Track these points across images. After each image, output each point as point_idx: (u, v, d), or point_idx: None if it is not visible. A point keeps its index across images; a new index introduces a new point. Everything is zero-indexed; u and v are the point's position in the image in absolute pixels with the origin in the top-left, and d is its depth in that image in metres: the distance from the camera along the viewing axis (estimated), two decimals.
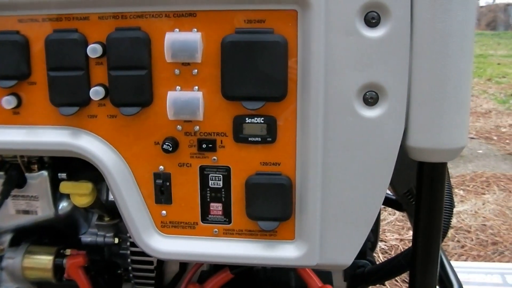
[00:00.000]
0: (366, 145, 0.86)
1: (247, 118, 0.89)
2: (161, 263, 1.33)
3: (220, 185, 0.94)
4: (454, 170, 4.51)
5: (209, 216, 0.95)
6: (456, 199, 3.81)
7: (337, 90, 0.85)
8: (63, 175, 1.15)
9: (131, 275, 1.35)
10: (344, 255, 0.93)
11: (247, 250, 0.95)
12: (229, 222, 0.95)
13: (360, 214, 0.90)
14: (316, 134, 0.86)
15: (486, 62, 11.69)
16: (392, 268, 1.25)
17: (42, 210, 1.20)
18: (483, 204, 3.78)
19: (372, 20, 0.82)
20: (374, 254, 2.88)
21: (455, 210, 3.52)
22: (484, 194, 4.00)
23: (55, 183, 1.16)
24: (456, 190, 4.01)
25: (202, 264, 1.27)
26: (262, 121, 0.89)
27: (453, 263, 2.58)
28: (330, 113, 0.86)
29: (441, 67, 0.81)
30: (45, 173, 1.16)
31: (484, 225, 3.42)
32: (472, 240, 3.22)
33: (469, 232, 3.32)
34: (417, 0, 0.80)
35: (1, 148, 0.97)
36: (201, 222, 0.96)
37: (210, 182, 0.94)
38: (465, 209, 3.66)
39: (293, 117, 0.88)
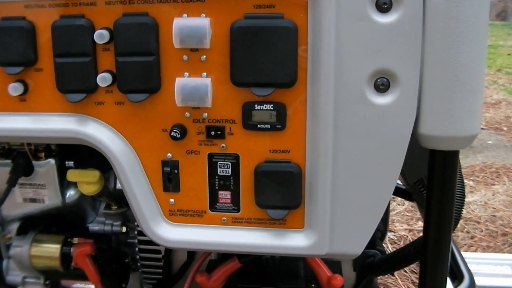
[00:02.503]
0: (377, 133, 0.85)
1: (256, 105, 0.88)
2: (169, 252, 1.33)
3: (228, 172, 0.93)
4: (464, 161, 4.48)
5: (218, 204, 0.95)
6: (465, 190, 3.79)
7: (348, 77, 0.83)
8: (70, 163, 1.14)
9: (138, 264, 1.35)
10: (354, 244, 0.92)
11: (255, 239, 0.94)
12: (238, 210, 0.94)
13: (370, 203, 0.89)
14: (326, 121, 0.85)
15: (496, 52, 11.60)
16: (402, 258, 1.24)
17: (50, 198, 1.19)
18: (493, 195, 3.75)
19: (383, 5, 0.81)
20: (383, 244, 2.88)
21: (465, 200, 3.51)
22: (494, 185, 3.97)
23: (62, 171, 1.15)
24: (465, 181, 3.99)
25: (210, 253, 1.26)
26: (272, 108, 0.87)
27: (462, 254, 2.57)
28: (340, 100, 0.84)
29: (454, 53, 0.79)
30: (52, 161, 1.16)
31: (494, 216, 3.40)
32: (482, 231, 3.20)
33: (478, 223, 3.30)
34: None
35: (8, 135, 0.97)
36: (209, 210, 0.95)
37: (218, 169, 0.93)
38: (474, 199, 3.64)
39: (303, 103, 0.87)
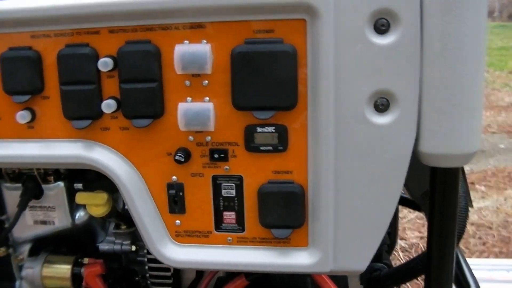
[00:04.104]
0: (378, 152, 0.86)
1: (258, 128, 0.89)
2: (178, 270, 1.34)
3: (233, 194, 0.94)
4: (476, 166, 4.47)
5: (223, 224, 0.96)
6: (477, 195, 3.78)
7: (348, 98, 0.85)
8: (79, 186, 1.16)
9: (148, 282, 1.37)
10: (358, 261, 0.93)
11: (261, 258, 0.95)
12: (243, 230, 0.96)
13: (373, 220, 0.90)
14: (328, 142, 0.86)
15: (508, 54, 11.53)
16: (408, 271, 1.24)
17: (59, 220, 1.21)
18: (505, 199, 3.74)
19: (381, 27, 0.82)
20: (394, 252, 2.88)
21: (476, 206, 3.50)
22: (506, 189, 3.96)
23: (71, 193, 1.17)
24: (477, 186, 3.98)
25: (218, 271, 1.28)
26: (273, 130, 0.89)
27: (474, 260, 2.56)
28: (341, 121, 0.86)
29: (452, 73, 0.80)
30: (61, 184, 1.18)
31: (506, 221, 3.39)
32: (494, 236, 3.19)
33: (490, 228, 3.29)
34: (426, 6, 0.80)
35: (18, 162, 0.99)
36: (215, 231, 0.97)
37: (223, 191, 0.94)
38: (486, 205, 3.62)
39: (304, 125, 0.89)
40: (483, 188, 3.95)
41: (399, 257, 2.90)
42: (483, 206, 3.58)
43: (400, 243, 3.04)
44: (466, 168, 4.27)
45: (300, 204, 0.91)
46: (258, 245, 0.96)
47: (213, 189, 0.94)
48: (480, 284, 1.31)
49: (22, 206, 1.16)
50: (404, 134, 0.85)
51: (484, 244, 3.10)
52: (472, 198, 3.68)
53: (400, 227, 3.23)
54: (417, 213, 3.38)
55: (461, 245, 3.05)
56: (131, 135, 0.94)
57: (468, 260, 1.65)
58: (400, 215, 3.34)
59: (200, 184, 0.94)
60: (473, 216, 3.41)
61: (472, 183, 4.01)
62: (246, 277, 1.17)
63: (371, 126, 0.85)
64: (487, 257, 2.95)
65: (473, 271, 1.35)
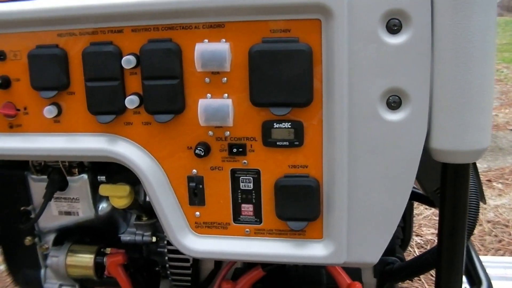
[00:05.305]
0: (390, 148, 0.89)
1: (275, 123, 0.92)
2: (197, 260, 1.38)
3: (250, 187, 0.97)
4: (493, 163, 4.44)
5: (241, 216, 1.00)
6: (494, 193, 3.76)
7: (361, 95, 0.88)
8: (102, 178, 1.20)
9: (168, 272, 1.40)
10: (370, 253, 0.96)
11: (277, 249, 0.98)
12: (260, 222, 0.99)
13: (385, 214, 0.93)
14: (342, 138, 0.89)
15: None
16: (420, 265, 1.27)
17: (83, 211, 1.25)
18: None
19: (394, 27, 0.85)
20: (410, 249, 2.88)
21: (493, 204, 3.48)
22: None
23: (95, 185, 1.21)
24: (494, 184, 3.95)
25: (236, 262, 1.31)
26: (290, 126, 0.92)
27: (489, 258, 2.56)
28: (355, 117, 0.89)
29: (462, 71, 0.83)
30: (85, 176, 1.22)
31: None
32: (510, 234, 3.18)
33: (507, 226, 3.27)
34: (437, 7, 0.82)
35: (44, 154, 1.03)
36: (233, 223, 1.00)
37: (241, 184, 0.98)
38: (503, 203, 3.60)
39: (319, 121, 0.92)
40: (500, 186, 3.92)
41: (414, 253, 2.91)
42: (500, 204, 3.55)
43: (415, 239, 3.05)
44: (484, 166, 4.26)
45: (315, 197, 0.94)
46: (275, 236, 0.99)
47: (231, 182, 0.98)
48: (495, 282, 1.32)
49: (48, 197, 1.20)
50: (416, 130, 0.88)
51: (500, 242, 3.10)
52: (489, 195, 3.67)
53: (416, 223, 3.23)
54: (433, 210, 3.37)
55: (477, 243, 3.05)
56: (153, 130, 0.97)
57: (483, 257, 1.66)
58: (416, 211, 3.35)
59: (219, 177, 0.98)
60: (489, 214, 3.39)
61: (490, 180, 3.99)
62: (262, 268, 1.20)
63: (384, 123, 0.88)
64: (503, 254, 2.94)
65: (488, 269, 1.36)
